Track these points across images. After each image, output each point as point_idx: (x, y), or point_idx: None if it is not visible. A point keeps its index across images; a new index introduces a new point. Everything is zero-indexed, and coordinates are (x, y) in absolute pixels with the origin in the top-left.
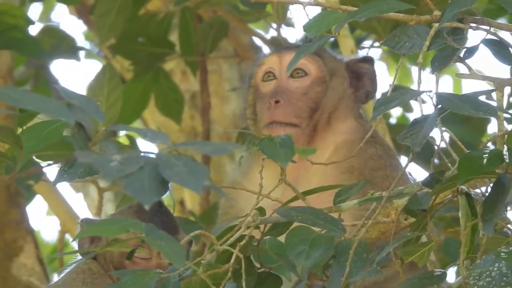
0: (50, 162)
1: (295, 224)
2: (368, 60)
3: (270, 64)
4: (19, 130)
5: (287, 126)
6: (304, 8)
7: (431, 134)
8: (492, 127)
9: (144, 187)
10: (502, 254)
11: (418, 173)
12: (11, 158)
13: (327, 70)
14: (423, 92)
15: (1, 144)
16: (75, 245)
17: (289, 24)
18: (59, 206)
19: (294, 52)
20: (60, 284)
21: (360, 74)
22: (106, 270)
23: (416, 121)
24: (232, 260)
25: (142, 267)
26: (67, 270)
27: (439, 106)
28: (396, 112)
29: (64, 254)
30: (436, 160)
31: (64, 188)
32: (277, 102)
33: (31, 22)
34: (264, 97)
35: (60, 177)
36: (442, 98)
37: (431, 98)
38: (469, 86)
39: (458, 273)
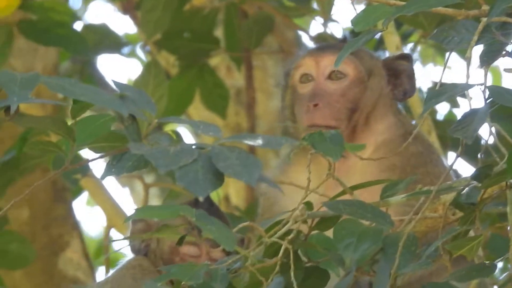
0: (101, 154)
1: (343, 218)
2: (406, 57)
3: (307, 66)
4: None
5: (326, 129)
6: (352, 3)
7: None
8: None
9: (198, 179)
10: None
11: (464, 169)
12: (62, 150)
13: (365, 70)
14: (474, 85)
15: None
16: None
17: (334, 20)
18: (105, 201)
19: (331, 53)
20: (110, 280)
21: (398, 71)
22: (156, 266)
23: (466, 115)
24: (280, 253)
25: None
26: (117, 267)
27: (489, 99)
28: (442, 109)
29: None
30: (481, 156)
31: (110, 183)
32: (315, 105)
33: (77, 19)
34: (302, 99)
35: (108, 171)
36: (493, 92)
37: (482, 91)
38: (509, 82)
39: (503, 270)
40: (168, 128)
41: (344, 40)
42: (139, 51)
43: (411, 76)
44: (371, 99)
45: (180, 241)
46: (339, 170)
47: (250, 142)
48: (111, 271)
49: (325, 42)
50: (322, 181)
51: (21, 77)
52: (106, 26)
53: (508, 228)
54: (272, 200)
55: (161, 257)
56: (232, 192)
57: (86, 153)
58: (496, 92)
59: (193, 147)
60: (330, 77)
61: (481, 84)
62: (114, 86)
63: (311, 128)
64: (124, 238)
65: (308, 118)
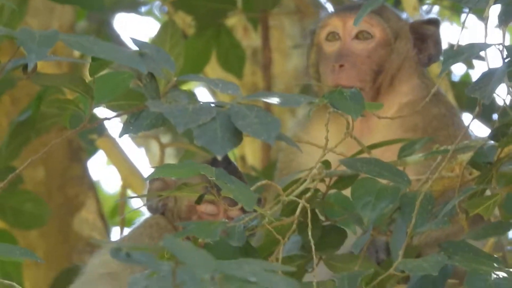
0: (119, 112)
1: (361, 177)
2: (434, 22)
3: (334, 25)
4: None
5: None
6: None
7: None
8: None
9: (217, 138)
10: None
11: (480, 130)
12: (80, 108)
13: (392, 32)
14: (491, 45)
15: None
16: (135, 201)
17: None
18: (120, 161)
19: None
20: (127, 238)
21: (424, 36)
22: (173, 225)
23: (484, 75)
24: (297, 212)
25: None
26: (134, 226)
27: (507, 59)
28: (458, 71)
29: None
30: (498, 117)
31: (126, 143)
32: (341, 66)
33: None
34: (328, 57)
35: (126, 129)
36: (511, 51)
37: (500, 51)
38: None
39: None
40: (185, 88)
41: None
42: (156, 10)
43: (437, 42)
44: (396, 61)
45: (199, 200)
46: (360, 131)
47: (269, 100)
48: (128, 230)
49: (350, 2)
50: (340, 140)
51: (40, 34)
52: None
53: None
54: (291, 157)
55: (178, 216)
56: (248, 152)
57: (102, 113)
58: None
59: (212, 105)
60: (356, 37)
61: (499, 44)
62: (131, 45)
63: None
64: (142, 196)
65: (334, 78)
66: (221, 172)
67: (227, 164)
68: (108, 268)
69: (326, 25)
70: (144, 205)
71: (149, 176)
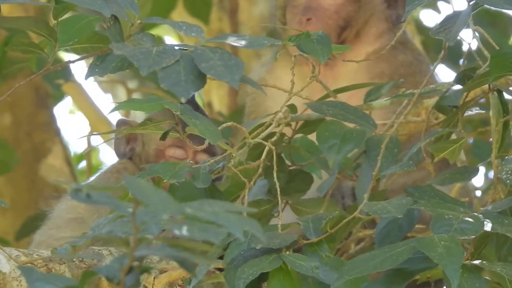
0: (83, 55)
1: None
2: None
3: None
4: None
5: None
6: None
7: (461, 35)
8: None
9: (180, 80)
10: None
11: (447, 75)
12: (44, 51)
13: None
14: None
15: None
16: (103, 147)
17: None
18: (87, 107)
19: None
20: (93, 184)
21: None
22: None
23: (449, 17)
24: (263, 155)
25: None
26: (101, 170)
27: (472, 2)
28: (425, 16)
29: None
30: (464, 62)
31: (93, 89)
32: (308, 19)
33: None
34: (296, 7)
35: (92, 71)
36: None
37: None
38: None
39: (486, 176)
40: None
41: None
42: None
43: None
44: (363, 17)
45: (164, 136)
46: (326, 77)
47: (233, 43)
48: (95, 175)
49: None
50: (306, 84)
51: None
52: None
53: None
54: (258, 101)
55: (146, 160)
56: (215, 99)
57: (69, 58)
58: None
59: (176, 48)
60: None
61: None
62: None
63: None
64: (108, 132)
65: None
66: (186, 107)
67: (195, 108)
68: (75, 213)
69: None
70: (115, 131)
71: (114, 109)
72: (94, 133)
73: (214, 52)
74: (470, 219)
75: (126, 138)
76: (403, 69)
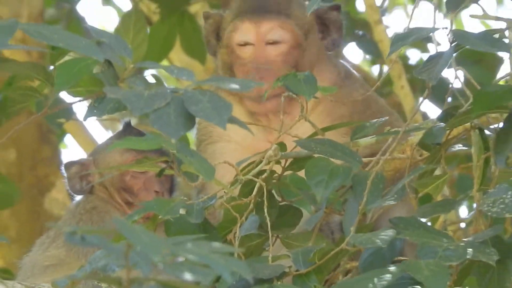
0: (80, 98)
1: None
2: (336, 8)
3: (247, 31)
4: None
5: (276, 97)
6: None
7: (445, 75)
8: (504, 69)
9: (171, 122)
10: None
11: (432, 111)
12: (42, 94)
13: (302, 32)
14: (439, 28)
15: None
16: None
17: None
18: (88, 144)
19: (270, 18)
20: (77, 224)
21: (328, 21)
22: (109, 196)
23: (432, 57)
24: (254, 191)
25: (140, 186)
26: (70, 210)
27: (455, 43)
28: (414, 56)
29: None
30: (449, 100)
31: (94, 126)
32: (260, 77)
33: None
34: (244, 64)
35: (90, 113)
36: (458, 35)
37: (447, 35)
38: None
39: (470, 208)
40: (150, 72)
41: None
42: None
43: (340, 27)
44: (309, 57)
45: (160, 173)
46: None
47: (222, 86)
48: (66, 215)
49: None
50: (294, 122)
51: (0, 25)
52: None
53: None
54: (209, 128)
55: (112, 185)
56: None
57: (69, 98)
58: (460, 35)
59: (167, 90)
60: (268, 42)
61: (446, 28)
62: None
63: (256, 98)
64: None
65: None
66: (182, 145)
67: (134, 131)
68: (53, 260)
69: (238, 29)
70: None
71: (113, 146)
72: (89, 171)
73: (203, 95)
74: (453, 248)
75: (79, 176)
76: (360, 105)
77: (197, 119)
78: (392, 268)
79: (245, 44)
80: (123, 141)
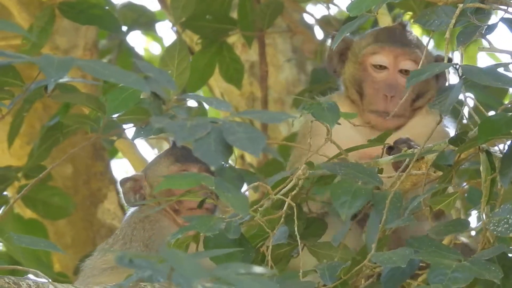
0: (130, 124)
1: (339, 177)
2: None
3: (385, 57)
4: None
5: (397, 117)
6: None
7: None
8: None
9: (211, 151)
10: None
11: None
12: (94, 120)
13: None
14: (450, 65)
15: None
16: None
17: (335, 4)
18: (137, 161)
19: (409, 49)
20: (121, 239)
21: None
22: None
23: (443, 90)
24: (284, 207)
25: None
26: (124, 226)
27: (464, 76)
28: None
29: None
30: (464, 121)
31: (142, 146)
32: (392, 96)
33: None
34: (377, 82)
35: (138, 134)
36: (466, 70)
37: (457, 70)
38: (483, 60)
39: (479, 218)
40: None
41: (403, 26)
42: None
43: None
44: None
45: (201, 204)
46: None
47: (255, 118)
48: (118, 230)
49: (393, 32)
50: (321, 145)
51: (58, 60)
52: (141, 6)
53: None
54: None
55: (161, 196)
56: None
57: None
58: (469, 70)
59: (208, 121)
60: (401, 71)
61: (456, 64)
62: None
63: (384, 113)
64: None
65: (384, 106)
66: (219, 182)
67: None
68: (108, 264)
69: (376, 53)
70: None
71: (158, 186)
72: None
73: (239, 126)
74: (461, 268)
75: (132, 190)
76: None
77: None
78: None
79: (380, 66)
80: (165, 181)
